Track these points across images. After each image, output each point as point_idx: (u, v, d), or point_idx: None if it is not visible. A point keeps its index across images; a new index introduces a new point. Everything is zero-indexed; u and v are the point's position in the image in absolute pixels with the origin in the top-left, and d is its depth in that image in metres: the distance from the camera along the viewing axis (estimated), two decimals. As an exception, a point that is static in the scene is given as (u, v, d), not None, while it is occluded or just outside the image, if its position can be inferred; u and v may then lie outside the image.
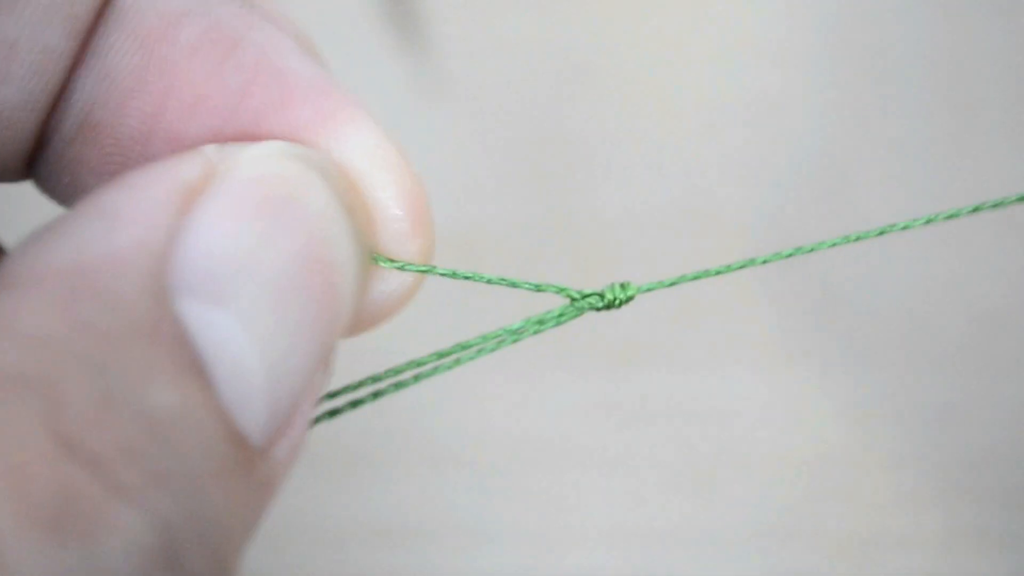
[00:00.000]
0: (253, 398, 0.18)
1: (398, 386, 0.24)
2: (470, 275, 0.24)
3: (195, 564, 0.16)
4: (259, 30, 0.21)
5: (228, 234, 0.18)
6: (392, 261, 0.22)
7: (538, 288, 0.24)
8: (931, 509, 0.41)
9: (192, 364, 0.17)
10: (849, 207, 0.46)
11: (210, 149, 0.19)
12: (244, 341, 0.18)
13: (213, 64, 0.20)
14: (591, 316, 0.45)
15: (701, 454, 0.42)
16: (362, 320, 0.22)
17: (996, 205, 0.24)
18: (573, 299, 0.24)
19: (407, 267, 0.22)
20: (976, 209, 0.24)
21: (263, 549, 0.41)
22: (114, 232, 0.17)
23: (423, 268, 0.22)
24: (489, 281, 0.24)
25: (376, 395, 0.24)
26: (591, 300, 0.24)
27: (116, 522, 0.15)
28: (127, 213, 0.18)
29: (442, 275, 0.23)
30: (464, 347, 0.24)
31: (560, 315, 0.24)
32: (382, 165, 0.21)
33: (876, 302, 0.45)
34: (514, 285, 0.24)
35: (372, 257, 0.21)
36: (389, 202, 0.21)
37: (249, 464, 0.18)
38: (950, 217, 0.25)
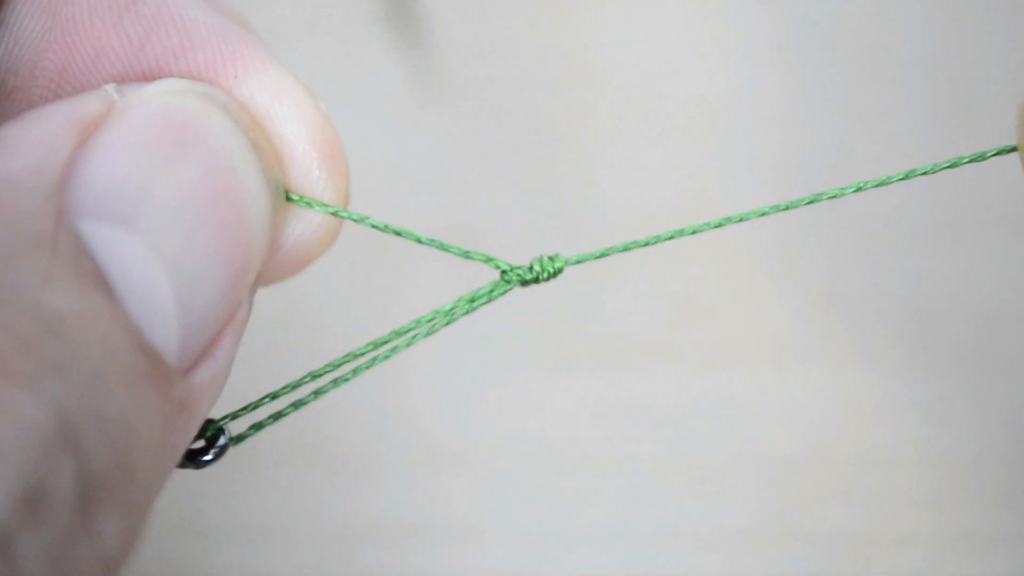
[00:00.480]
0: (164, 316, 0.18)
1: (337, 382, 0.23)
2: (399, 231, 0.23)
3: (94, 451, 0.16)
4: None
5: (129, 159, 0.18)
6: (306, 200, 0.21)
7: (466, 255, 0.24)
8: (931, 509, 0.41)
9: (94, 276, 0.17)
10: (848, 207, 0.46)
11: (110, 87, 0.20)
12: (152, 262, 0.18)
13: (113, 18, 0.21)
14: (591, 315, 0.45)
15: (701, 454, 0.42)
16: (281, 264, 0.22)
17: (974, 159, 0.24)
18: (503, 272, 0.24)
19: (318, 206, 0.21)
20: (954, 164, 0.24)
21: (264, 549, 0.41)
22: (11, 158, 0.18)
23: (349, 214, 0.22)
24: (419, 240, 0.23)
25: (317, 393, 0.24)
26: (519, 272, 0.24)
27: (9, 404, 0.16)
28: (25, 142, 0.18)
29: (369, 225, 0.23)
30: (399, 333, 0.24)
31: (491, 291, 0.24)
32: (287, 102, 0.21)
33: (876, 302, 0.45)
34: (443, 248, 0.23)
35: (286, 195, 0.21)
36: (294, 138, 0.21)
37: (163, 379, 0.18)
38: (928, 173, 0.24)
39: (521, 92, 0.48)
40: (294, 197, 0.21)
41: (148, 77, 0.21)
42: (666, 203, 0.46)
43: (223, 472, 0.41)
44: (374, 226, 0.23)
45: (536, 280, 0.24)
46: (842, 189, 0.24)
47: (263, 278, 0.21)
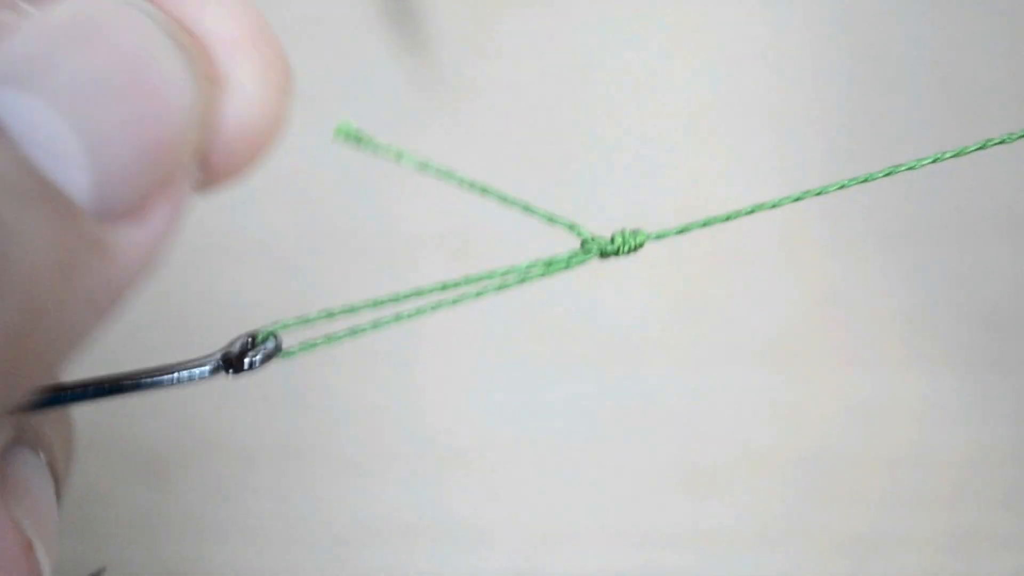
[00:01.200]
0: (66, 158, 0.18)
1: (399, 317, 0.23)
2: (485, 187, 0.23)
3: None
4: None
5: (37, 40, 0.18)
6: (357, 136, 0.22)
7: (551, 219, 0.23)
8: (931, 509, 0.41)
9: None
10: (849, 207, 0.46)
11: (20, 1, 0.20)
12: (54, 117, 0.18)
13: None
14: (591, 315, 0.45)
15: (701, 454, 0.42)
16: (231, 150, 0.21)
17: (1002, 141, 0.24)
18: (584, 241, 0.24)
19: (374, 146, 0.22)
20: (984, 146, 0.24)
21: (264, 549, 0.41)
22: None
23: (413, 158, 0.22)
24: (504, 200, 0.23)
25: (376, 324, 0.23)
26: (600, 243, 0.24)
27: None
28: None
29: (456, 181, 0.23)
30: (471, 280, 0.23)
31: (569, 258, 0.24)
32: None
33: (876, 302, 0.45)
34: (528, 209, 0.23)
35: (338, 129, 0.22)
36: (217, 27, 0.21)
37: (63, 207, 0.18)
38: (958, 155, 0.24)
39: (521, 92, 0.48)
40: (362, 137, 0.22)
41: None
42: (666, 203, 0.46)
43: (223, 472, 0.41)
44: (462, 181, 0.23)
45: (616, 253, 0.24)
46: (872, 174, 0.24)
47: (219, 167, 0.21)
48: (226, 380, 0.22)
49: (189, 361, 0.22)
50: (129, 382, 0.22)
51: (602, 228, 0.48)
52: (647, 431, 0.43)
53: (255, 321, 0.24)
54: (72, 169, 0.18)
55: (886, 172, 0.24)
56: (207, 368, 0.22)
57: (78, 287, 0.18)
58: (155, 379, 0.22)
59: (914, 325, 0.44)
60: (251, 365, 0.22)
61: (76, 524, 0.40)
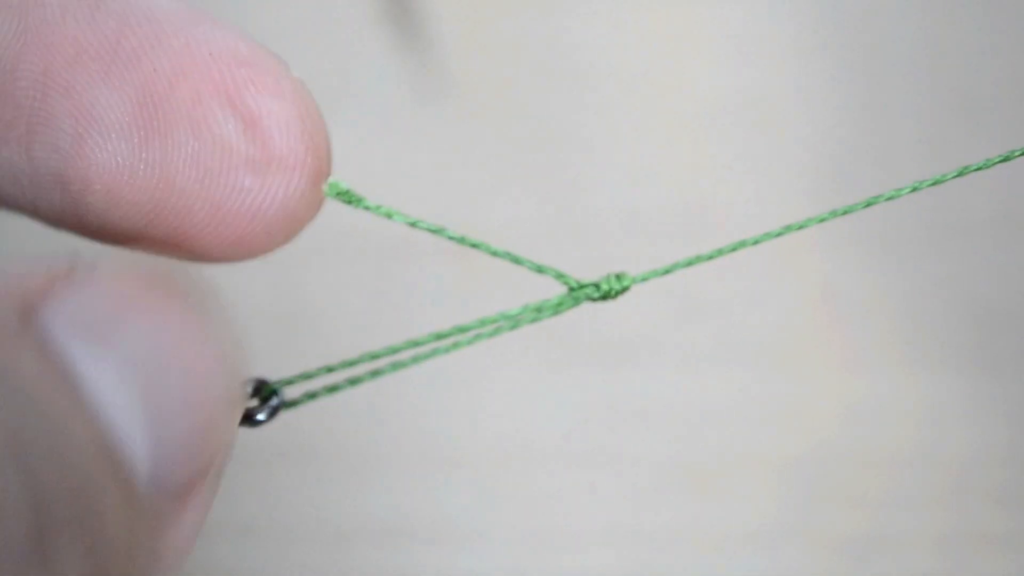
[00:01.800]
0: (132, 432, 0.18)
1: (395, 366, 0.24)
2: (476, 243, 0.24)
3: (45, 472, 0.16)
4: None
5: (110, 294, 0.18)
6: (348, 195, 0.23)
7: (539, 269, 0.24)
8: (931, 509, 0.41)
9: (58, 373, 0.17)
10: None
11: (67, 256, 0.19)
12: (123, 381, 0.18)
13: (85, 16, 0.22)
14: (592, 315, 0.45)
15: (700, 454, 0.42)
16: (259, 235, 0.23)
17: (981, 167, 0.25)
18: (571, 288, 0.24)
19: (364, 205, 0.23)
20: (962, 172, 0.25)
21: (264, 549, 0.41)
22: None
23: (407, 217, 0.23)
24: (493, 253, 0.24)
25: (375, 373, 0.24)
26: (587, 291, 0.24)
27: None
28: None
29: (447, 236, 0.24)
30: (462, 330, 0.24)
31: (558, 304, 0.25)
32: (259, 81, 0.22)
33: (876, 301, 0.45)
34: (516, 261, 0.24)
35: (329, 187, 0.23)
36: (269, 120, 0.22)
37: (126, 483, 0.18)
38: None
39: (521, 92, 0.48)
40: (336, 192, 0.23)
41: (128, 68, 0.21)
42: (666, 203, 0.46)
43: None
44: (451, 237, 0.24)
45: (604, 297, 0.25)
46: (898, 190, 0.25)
47: (258, 245, 0.22)
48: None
49: None
50: None
51: (604, 226, 0.48)
52: (647, 431, 0.43)
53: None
54: (134, 441, 0.17)
55: (912, 188, 0.25)
56: None
57: (131, 547, 0.18)
58: None
59: (913, 325, 0.44)
60: (259, 422, 0.23)
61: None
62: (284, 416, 0.45)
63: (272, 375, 0.24)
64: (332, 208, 0.49)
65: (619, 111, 0.48)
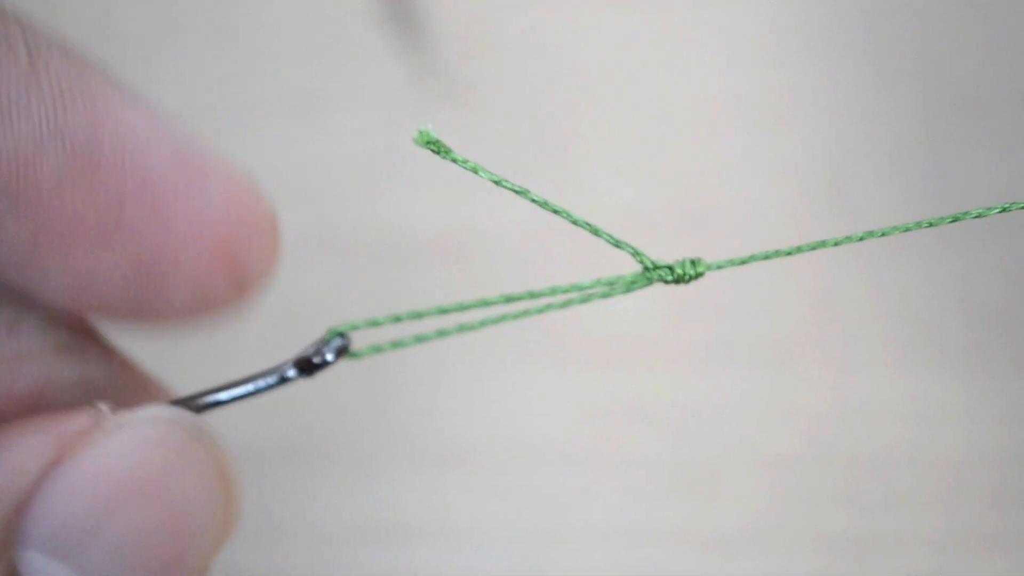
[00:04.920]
0: None
1: (463, 328, 0.24)
2: (557, 208, 0.24)
3: None
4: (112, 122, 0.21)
5: (89, 495, 0.19)
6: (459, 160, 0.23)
7: (616, 243, 0.24)
8: (931, 509, 0.41)
9: None
10: (849, 206, 0.46)
11: (103, 406, 0.20)
12: None
13: (84, 185, 0.21)
14: (592, 315, 0.45)
15: (700, 454, 0.42)
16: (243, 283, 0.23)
17: (979, 215, 0.24)
18: (646, 267, 0.24)
19: (452, 156, 0.23)
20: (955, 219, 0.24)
21: (264, 549, 0.41)
22: None
23: (513, 186, 0.23)
24: (574, 222, 0.24)
25: (441, 333, 0.24)
26: (661, 272, 0.24)
27: None
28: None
29: (528, 199, 0.23)
30: (534, 295, 0.24)
31: (632, 282, 0.24)
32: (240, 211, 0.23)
33: (876, 302, 0.45)
34: (595, 232, 0.24)
35: (419, 135, 0.23)
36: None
37: None
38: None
39: (521, 92, 0.48)
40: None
41: (124, 241, 0.21)
42: (666, 203, 0.46)
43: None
44: (534, 200, 0.24)
45: (677, 281, 0.24)
46: (941, 218, 0.24)
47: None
48: (301, 384, 0.24)
49: (266, 370, 0.23)
50: (224, 395, 0.23)
51: (604, 225, 0.48)
52: (646, 431, 0.43)
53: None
54: None
55: (952, 219, 0.24)
56: (285, 372, 0.23)
57: None
58: (240, 390, 0.23)
59: (913, 325, 0.44)
60: (323, 362, 0.23)
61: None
62: (285, 415, 0.45)
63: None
64: (333, 209, 0.49)
65: (619, 112, 0.48)
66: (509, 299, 0.24)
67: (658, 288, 0.44)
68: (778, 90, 0.48)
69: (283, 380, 0.23)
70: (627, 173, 0.47)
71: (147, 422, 0.20)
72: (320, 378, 0.23)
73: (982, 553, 0.41)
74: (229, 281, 0.22)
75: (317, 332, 0.46)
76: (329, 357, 0.23)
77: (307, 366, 0.23)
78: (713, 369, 0.44)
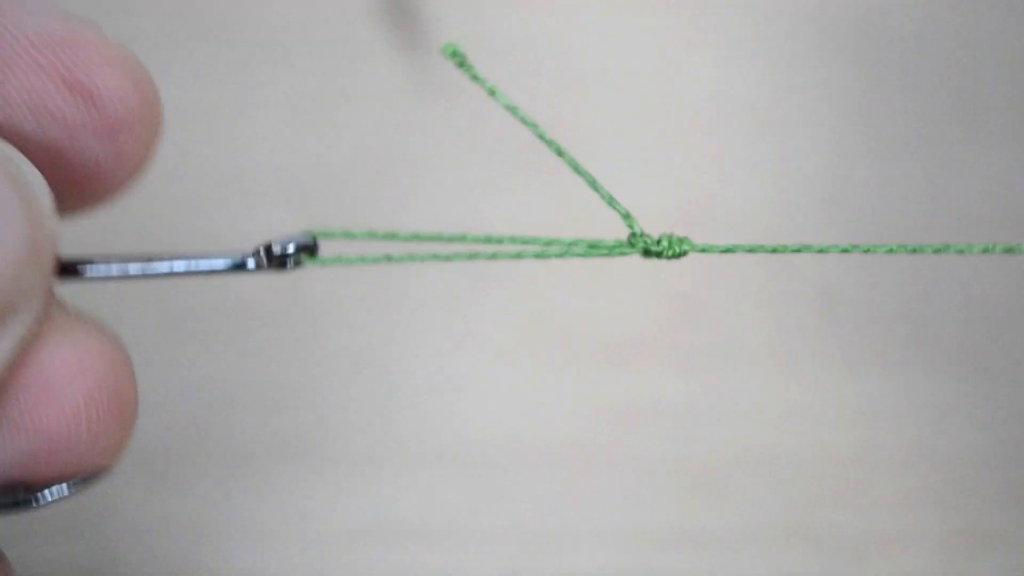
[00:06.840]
0: None
1: (424, 257, 0.23)
2: (560, 149, 0.24)
3: None
4: None
5: None
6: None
7: (611, 202, 0.24)
8: (931, 509, 0.41)
9: None
10: (848, 207, 0.46)
11: None
12: None
13: None
14: (592, 315, 0.45)
15: (701, 454, 0.42)
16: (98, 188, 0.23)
17: (962, 251, 0.24)
18: (632, 234, 0.24)
19: (473, 73, 0.23)
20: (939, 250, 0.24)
21: (264, 549, 0.41)
22: None
23: (523, 117, 0.23)
24: (576, 170, 0.24)
25: (412, 257, 0.24)
26: (647, 240, 0.24)
27: None
28: None
29: (539, 135, 0.23)
30: (516, 241, 0.24)
31: (614, 246, 0.24)
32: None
33: (876, 302, 0.45)
34: (593, 186, 0.24)
35: (444, 47, 0.22)
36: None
37: None
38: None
39: (521, 92, 0.48)
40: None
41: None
42: (666, 203, 0.46)
43: (223, 472, 0.41)
44: (542, 137, 0.24)
45: (659, 255, 0.24)
46: (970, 246, 0.24)
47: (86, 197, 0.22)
48: (256, 275, 0.23)
49: (222, 252, 0.23)
50: (162, 261, 0.22)
51: (603, 227, 0.48)
52: (647, 432, 0.43)
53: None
54: None
55: (933, 249, 0.24)
56: (240, 259, 0.23)
57: None
58: (191, 262, 0.22)
59: (913, 325, 0.44)
60: (283, 253, 0.23)
61: (76, 524, 0.40)
62: (285, 415, 0.45)
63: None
64: (331, 211, 0.49)
65: (619, 112, 0.48)
66: (488, 240, 0.23)
67: (658, 288, 0.44)
68: (777, 90, 0.48)
69: (238, 266, 0.23)
70: (625, 172, 0.47)
71: None
72: (286, 278, 0.23)
73: (982, 553, 0.41)
74: (75, 102, 0.22)
75: (317, 331, 0.46)
76: (290, 248, 0.23)
77: (268, 255, 0.23)
78: (713, 369, 0.44)
